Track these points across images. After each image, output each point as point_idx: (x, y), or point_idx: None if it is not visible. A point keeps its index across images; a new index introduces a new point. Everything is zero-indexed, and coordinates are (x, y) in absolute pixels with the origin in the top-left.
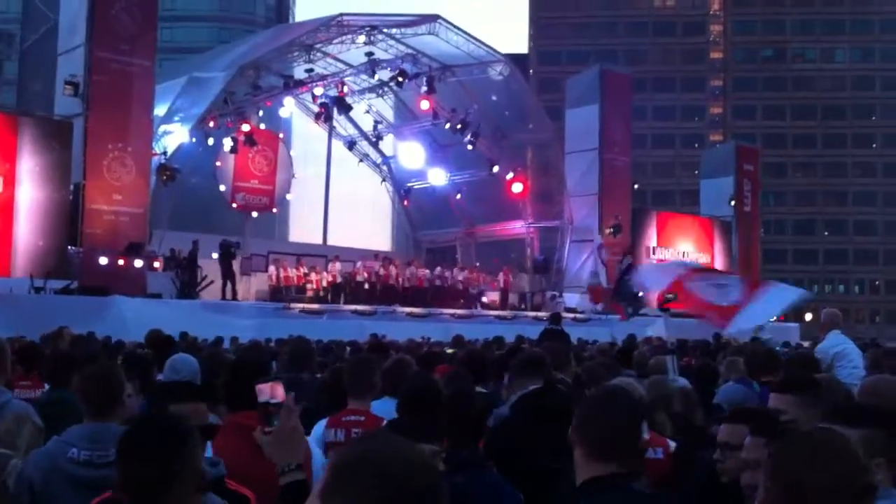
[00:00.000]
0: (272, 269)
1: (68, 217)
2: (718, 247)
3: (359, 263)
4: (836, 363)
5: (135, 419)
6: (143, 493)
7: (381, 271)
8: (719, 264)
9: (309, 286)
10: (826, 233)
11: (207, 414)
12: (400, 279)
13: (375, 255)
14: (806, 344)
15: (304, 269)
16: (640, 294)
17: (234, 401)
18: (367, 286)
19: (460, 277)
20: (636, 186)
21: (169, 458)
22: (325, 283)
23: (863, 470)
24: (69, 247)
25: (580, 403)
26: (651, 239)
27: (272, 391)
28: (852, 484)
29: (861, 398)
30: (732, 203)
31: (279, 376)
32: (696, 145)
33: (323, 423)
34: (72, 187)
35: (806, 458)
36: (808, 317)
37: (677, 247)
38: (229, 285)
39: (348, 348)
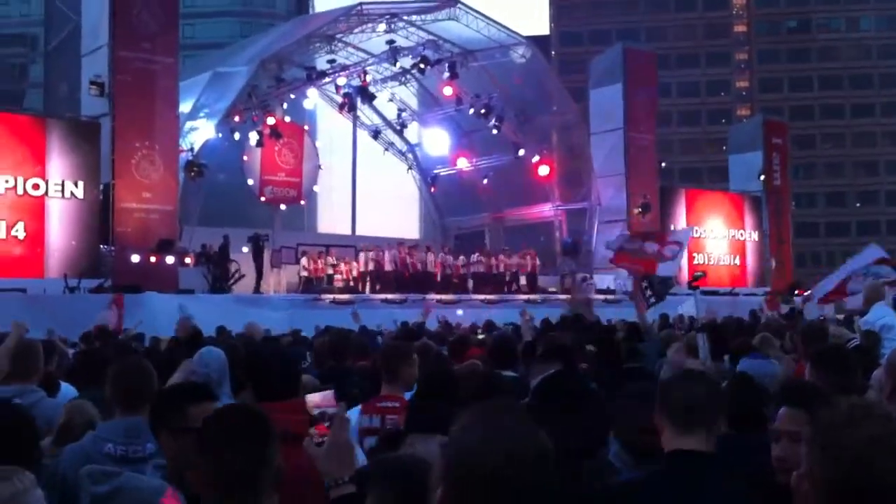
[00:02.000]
0: (304, 260)
1: (99, 216)
2: (749, 222)
3: (385, 253)
4: (882, 336)
5: (221, 410)
6: (237, 486)
7: (409, 259)
8: (751, 240)
9: (338, 276)
10: (857, 204)
11: None
12: (437, 266)
13: (400, 242)
14: (840, 317)
15: (332, 260)
16: (670, 276)
17: (261, 391)
18: (395, 275)
19: (504, 260)
20: (663, 165)
21: (266, 449)
22: (354, 273)
23: None
24: (101, 246)
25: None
26: (680, 217)
27: (323, 401)
28: (887, 444)
29: (889, 371)
30: (762, 178)
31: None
32: (723, 121)
33: (357, 409)
34: (101, 187)
35: (842, 420)
36: None
37: (707, 224)
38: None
39: (379, 337)
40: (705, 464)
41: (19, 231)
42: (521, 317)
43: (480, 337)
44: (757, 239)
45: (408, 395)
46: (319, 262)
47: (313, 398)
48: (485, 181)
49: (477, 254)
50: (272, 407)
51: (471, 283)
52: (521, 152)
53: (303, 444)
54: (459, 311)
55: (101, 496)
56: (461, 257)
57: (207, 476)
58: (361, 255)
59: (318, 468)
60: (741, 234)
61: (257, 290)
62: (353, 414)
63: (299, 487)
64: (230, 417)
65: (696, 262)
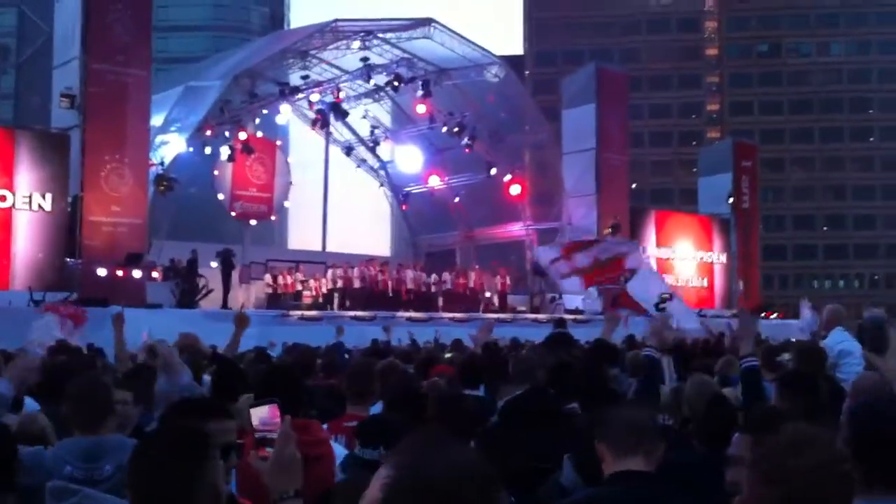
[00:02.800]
0: (268, 276)
1: (67, 229)
2: (717, 244)
3: (355, 269)
4: (840, 360)
5: (151, 432)
6: None
7: (380, 276)
8: (719, 262)
9: (307, 293)
10: (825, 228)
11: (234, 431)
12: (404, 284)
13: (369, 259)
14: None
15: (301, 276)
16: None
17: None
18: (365, 292)
19: (475, 279)
20: (634, 185)
21: (186, 472)
22: (324, 290)
23: (840, 459)
24: (68, 259)
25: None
26: (650, 238)
27: (269, 414)
28: (829, 471)
29: (852, 396)
30: (731, 200)
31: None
32: (694, 143)
33: (323, 428)
34: (70, 199)
35: (785, 447)
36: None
37: (676, 245)
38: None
39: (346, 355)
40: (649, 481)
41: None
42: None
43: (448, 356)
44: (725, 261)
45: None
46: (289, 277)
47: (256, 414)
48: (456, 199)
49: (448, 272)
50: None
51: (441, 301)
52: (494, 171)
53: (324, 463)
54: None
55: None
56: (433, 275)
57: (137, 497)
58: (330, 272)
59: (265, 482)
60: (709, 256)
61: (225, 305)
62: None
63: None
64: (153, 441)
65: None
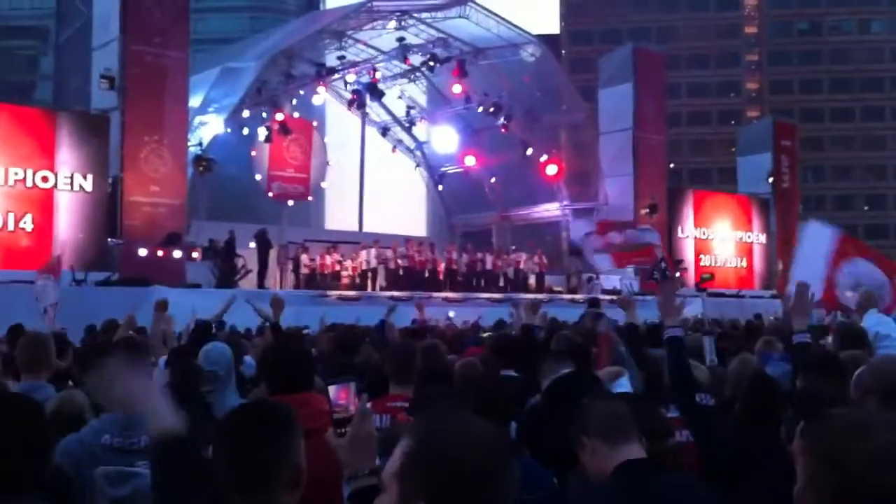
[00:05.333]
0: (305, 256)
1: (107, 210)
2: (757, 224)
3: (401, 248)
4: (877, 343)
5: (241, 405)
6: (252, 483)
7: (417, 256)
8: (759, 242)
9: (345, 273)
10: (866, 207)
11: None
12: (444, 265)
13: (406, 240)
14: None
15: (338, 256)
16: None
17: (276, 383)
18: (401, 272)
19: (512, 259)
20: (672, 165)
21: (284, 446)
22: (361, 269)
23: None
24: (109, 239)
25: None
26: (688, 218)
27: (345, 394)
28: (886, 456)
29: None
30: (770, 180)
31: (349, 378)
32: (733, 122)
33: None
34: (110, 180)
35: (841, 433)
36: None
37: (714, 226)
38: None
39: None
40: (657, 467)
41: (27, 223)
42: (513, 309)
43: (485, 335)
44: (764, 241)
45: None
46: (327, 258)
47: (332, 394)
48: (492, 180)
49: (485, 252)
50: (283, 400)
51: (481, 282)
52: (530, 151)
53: (323, 436)
54: (452, 313)
55: (121, 499)
56: (464, 255)
57: (222, 472)
58: (365, 252)
59: (340, 459)
60: (749, 237)
61: (261, 285)
62: None
63: (310, 483)
64: (249, 413)
65: (703, 263)
